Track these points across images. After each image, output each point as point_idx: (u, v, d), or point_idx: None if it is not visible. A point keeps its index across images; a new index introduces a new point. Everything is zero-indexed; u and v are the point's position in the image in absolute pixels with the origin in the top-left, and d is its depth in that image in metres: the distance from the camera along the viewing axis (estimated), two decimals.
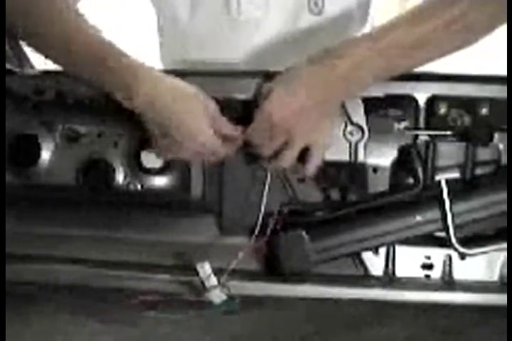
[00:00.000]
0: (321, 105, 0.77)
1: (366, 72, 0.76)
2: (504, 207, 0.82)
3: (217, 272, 0.80)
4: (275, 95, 0.77)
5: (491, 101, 0.83)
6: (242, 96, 0.84)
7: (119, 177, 0.87)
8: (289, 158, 0.80)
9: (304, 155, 0.81)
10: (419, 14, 0.77)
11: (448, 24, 0.75)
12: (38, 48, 0.84)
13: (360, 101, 0.83)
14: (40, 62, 1.00)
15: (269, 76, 0.81)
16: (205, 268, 0.79)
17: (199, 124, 0.79)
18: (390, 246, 0.86)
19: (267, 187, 0.85)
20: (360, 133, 0.84)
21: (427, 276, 0.85)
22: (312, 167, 0.81)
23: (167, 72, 0.81)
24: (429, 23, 0.75)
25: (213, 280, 0.79)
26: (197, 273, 0.79)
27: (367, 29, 1.15)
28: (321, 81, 0.76)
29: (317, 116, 0.78)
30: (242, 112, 0.84)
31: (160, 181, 0.87)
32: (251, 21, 1.07)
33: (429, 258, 0.86)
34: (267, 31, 1.08)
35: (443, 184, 0.82)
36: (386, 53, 0.75)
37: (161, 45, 1.20)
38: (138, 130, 0.84)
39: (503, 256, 0.84)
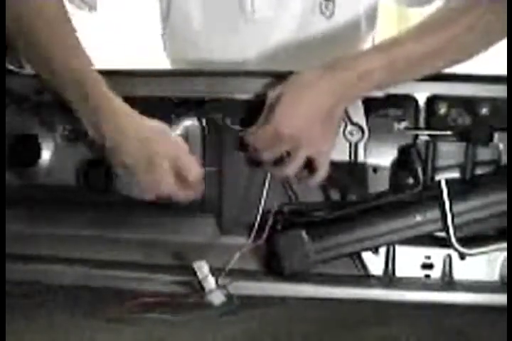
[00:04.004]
0: (327, 115, 0.77)
1: (374, 82, 0.77)
2: (504, 207, 0.81)
3: (217, 272, 0.80)
4: (283, 104, 0.77)
5: (491, 101, 0.83)
6: (244, 97, 0.84)
7: None
8: (294, 166, 0.80)
9: (306, 163, 0.80)
10: (430, 25, 0.76)
11: (464, 31, 0.75)
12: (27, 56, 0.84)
13: (360, 101, 0.83)
14: None
15: (276, 77, 0.81)
16: (202, 268, 0.79)
17: (163, 174, 0.79)
18: (390, 246, 0.86)
19: (267, 187, 0.85)
20: (360, 133, 0.84)
21: (427, 276, 0.86)
22: (319, 177, 0.81)
23: (170, 72, 0.81)
24: (442, 32, 0.75)
25: (211, 281, 0.79)
26: (195, 273, 0.79)
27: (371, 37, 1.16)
28: (328, 92, 0.76)
29: (323, 125, 0.78)
30: (243, 113, 0.84)
31: None
32: (264, 21, 1.07)
33: (429, 258, 0.86)
34: (279, 32, 1.08)
35: (443, 184, 0.82)
36: (396, 65, 0.75)
37: (166, 44, 1.19)
38: None
39: (503, 256, 0.84)
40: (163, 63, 1.21)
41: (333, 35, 1.08)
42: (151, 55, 1.39)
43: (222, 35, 1.09)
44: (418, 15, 0.97)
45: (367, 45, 1.13)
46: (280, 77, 0.80)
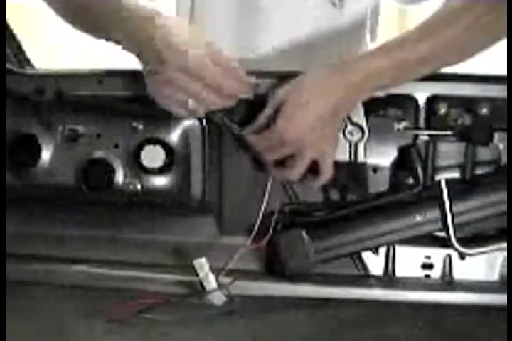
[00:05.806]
0: (331, 118, 0.77)
1: (378, 83, 0.77)
2: (504, 207, 0.82)
3: (217, 272, 0.80)
4: (288, 106, 0.77)
5: (491, 101, 0.83)
6: (244, 96, 0.84)
7: (119, 177, 0.87)
8: (298, 169, 0.79)
9: (311, 165, 0.80)
10: (430, 26, 0.76)
11: (462, 32, 0.75)
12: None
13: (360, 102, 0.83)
14: (40, 62, 1.00)
15: (279, 77, 0.81)
16: (203, 266, 0.79)
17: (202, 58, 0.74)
18: (390, 246, 0.86)
19: (268, 187, 0.84)
20: (360, 133, 0.84)
21: (427, 276, 0.86)
22: (324, 179, 0.81)
23: None
24: (442, 33, 0.75)
25: (212, 280, 0.79)
26: (195, 272, 0.79)
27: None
28: (333, 95, 0.76)
29: (327, 129, 0.78)
30: (243, 113, 0.84)
31: (160, 181, 0.87)
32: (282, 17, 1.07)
33: (429, 258, 0.86)
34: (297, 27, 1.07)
35: (443, 184, 0.82)
36: (400, 67, 0.75)
37: None
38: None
39: (503, 256, 0.84)
40: None
41: (342, 29, 1.08)
42: None
43: (240, 33, 1.09)
44: (417, 13, 0.97)
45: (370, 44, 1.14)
46: (284, 77, 0.80)
